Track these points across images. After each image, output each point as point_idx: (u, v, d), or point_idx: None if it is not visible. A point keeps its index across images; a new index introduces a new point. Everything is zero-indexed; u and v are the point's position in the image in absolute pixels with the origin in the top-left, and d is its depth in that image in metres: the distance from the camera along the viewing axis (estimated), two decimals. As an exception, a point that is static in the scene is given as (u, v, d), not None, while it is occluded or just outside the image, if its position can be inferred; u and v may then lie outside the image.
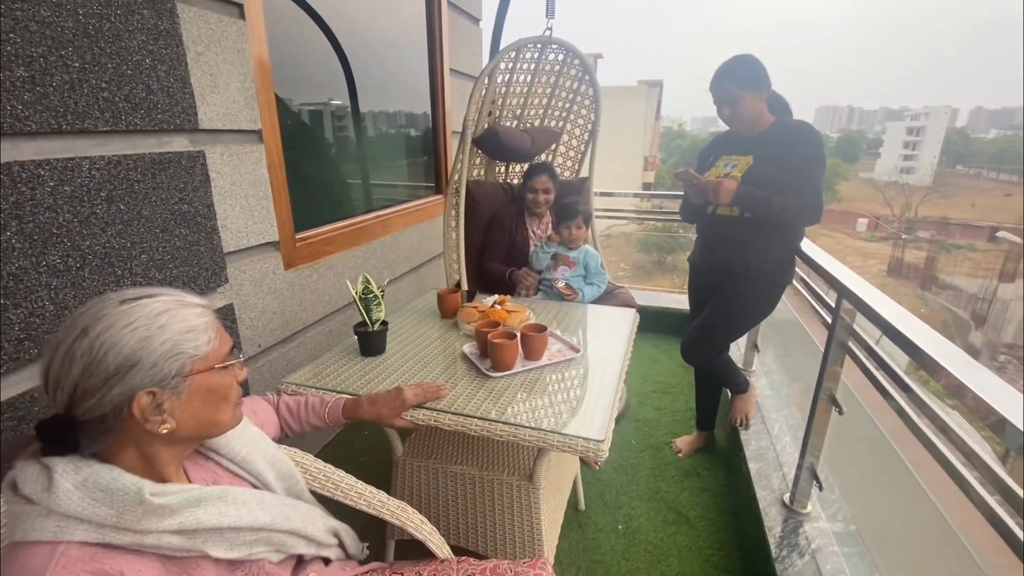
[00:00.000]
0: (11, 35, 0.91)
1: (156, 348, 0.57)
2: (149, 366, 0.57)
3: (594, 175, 2.43)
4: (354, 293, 1.29)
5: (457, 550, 1.03)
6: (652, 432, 2.14)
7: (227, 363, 0.65)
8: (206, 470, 0.72)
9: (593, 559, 1.51)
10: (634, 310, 1.74)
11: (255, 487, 0.76)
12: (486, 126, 2.24)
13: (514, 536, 1.24)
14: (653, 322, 3.03)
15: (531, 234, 2.20)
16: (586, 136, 2.52)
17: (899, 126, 57.72)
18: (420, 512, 0.97)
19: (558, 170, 2.40)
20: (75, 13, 1.00)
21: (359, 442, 2.06)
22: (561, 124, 2.54)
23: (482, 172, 2.47)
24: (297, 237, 1.75)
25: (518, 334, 1.26)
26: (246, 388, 1.53)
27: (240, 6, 1.42)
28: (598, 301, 2.01)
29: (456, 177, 2.12)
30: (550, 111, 2.50)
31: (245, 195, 1.48)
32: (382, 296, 1.32)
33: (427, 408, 1.07)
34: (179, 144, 1.26)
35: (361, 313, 1.30)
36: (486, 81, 2.09)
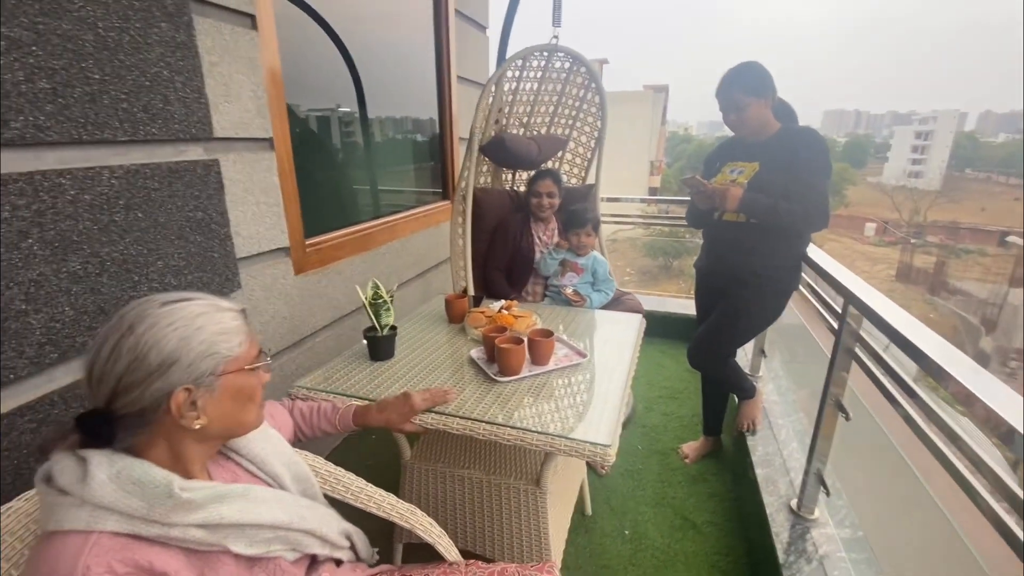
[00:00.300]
0: (34, 48, 0.93)
1: (194, 347, 0.61)
2: (187, 364, 0.60)
3: (600, 182, 2.45)
4: (364, 298, 1.31)
5: (465, 554, 1.04)
6: (659, 437, 2.14)
7: (256, 365, 0.69)
8: (227, 470, 0.75)
9: (600, 564, 1.51)
10: (640, 315, 1.75)
11: (272, 488, 0.78)
12: (493, 134, 2.27)
13: (521, 540, 1.24)
14: (659, 327, 3.04)
15: (537, 240, 2.21)
16: (592, 143, 2.53)
17: (907, 130, 57.43)
18: (428, 516, 0.98)
19: (564, 178, 2.42)
20: (96, 26, 1.03)
21: (366, 447, 2.07)
22: (567, 132, 2.55)
23: (489, 180, 2.49)
24: (307, 243, 1.78)
25: (525, 339, 1.27)
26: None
27: (252, 17, 1.45)
28: (606, 308, 2.02)
29: (463, 185, 2.14)
30: (556, 118, 2.52)
31: (257, 202, 1.51)
32: (391, 301, 1.34)
33: (435, 412, 1.09)
34: (194, 153, 1.29)
35: (371, 318, 1.32)
36: (493, 89, 2.12)
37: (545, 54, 2.26)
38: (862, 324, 1.29)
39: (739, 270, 1.68)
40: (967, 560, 1.16)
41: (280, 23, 1.57)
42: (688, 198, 1.82)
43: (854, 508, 1.45)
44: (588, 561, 1.52)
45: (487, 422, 1.05)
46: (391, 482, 1.28)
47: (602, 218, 2.43)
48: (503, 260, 2.19)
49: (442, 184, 2.91)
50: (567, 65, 2.33)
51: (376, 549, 0.94)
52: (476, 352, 1.36)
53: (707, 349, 1.81)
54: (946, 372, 0.86)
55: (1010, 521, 0.78)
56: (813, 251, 1.67)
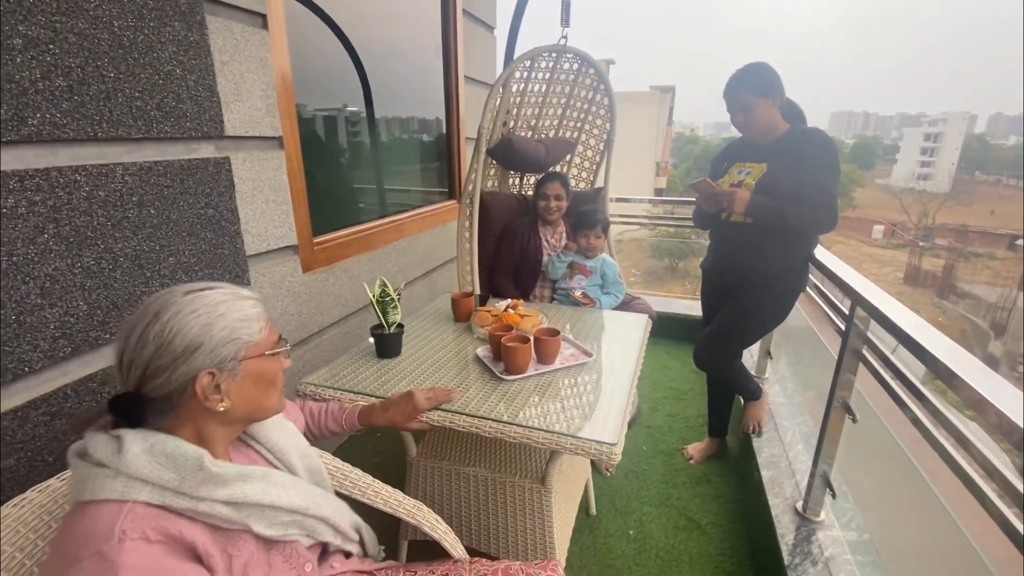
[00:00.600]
0: (51, 46, 0.95)
1: (216, 334, 0.64)
2: (210, 349, 0.63)
3: (609, 184, 2.44)
4: (372, 296, 1.32)
5: (469, 551, 1.05)
6: (664, 438, 2.14)
7: (275, 351, 0.72)
8: (246, 455, 0.78)
9: (604, 563, 1.51)
10: (647, 316, 1.75)
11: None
12: (500, 136, 2.27)
13: (526, 538, 1.25)
14: (665, 328, 3.03)
15: (544, 243, 2.20)
16: (601, 146, 2.52)
17: (916, 132, 57.00)
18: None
19: (573, 181, 2.41)
20: (111, 25, 1.04)
21: (372, 444, 2.09)
22: (576, 134, 2.54)
23: (496, 183, 2.49)
24: (315, 241, 1.79)
25: (531, 338, 1.27)
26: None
27: (264, 16, 1.46)
28: (615, 310, 2.02)
29: (470, 187, 2.14)
30: (565, 121, 2.51)
31: (266, 200, 1.52)
32: (398, 299, 1.35)
33: (442, 410, 1.09)
34: (206, 151, 1.30)
35: (378, 316, 1.32)
36: (500, 90, 2.12)
37: (553, 55, 2.26)
38: (869, 326, 1.29)
39: (746, 271, 1.67)
40: (975, 563, 1.15)
41: (289, 23, 1.58)
42: (694, 199, 1.82)
43: (860, 511, 1.44)
44: (592, 560, 1.52)
45: (493, 420, 1.06)
46: (397, 479, 1.28)
47: (609, 219, 2.43)
48: (510, 264, 2.19)
49: (449, 183, 2.91)
50: (576, 66, 2.33)
51: (382, 547, 0.95)
52: (482, 350, 1.37)
53: (713, 350, 1.80)
54: (954, 373, 0.86)
55: (1018, 524, 0.78)
56: (820, 253, 1.67)
